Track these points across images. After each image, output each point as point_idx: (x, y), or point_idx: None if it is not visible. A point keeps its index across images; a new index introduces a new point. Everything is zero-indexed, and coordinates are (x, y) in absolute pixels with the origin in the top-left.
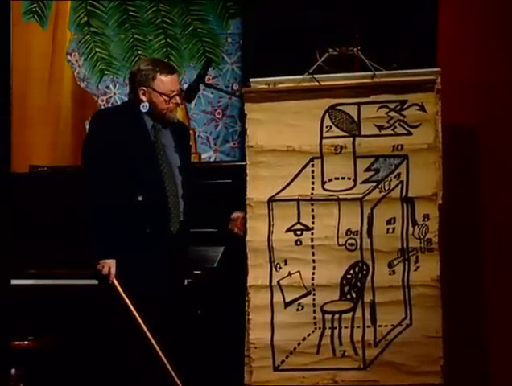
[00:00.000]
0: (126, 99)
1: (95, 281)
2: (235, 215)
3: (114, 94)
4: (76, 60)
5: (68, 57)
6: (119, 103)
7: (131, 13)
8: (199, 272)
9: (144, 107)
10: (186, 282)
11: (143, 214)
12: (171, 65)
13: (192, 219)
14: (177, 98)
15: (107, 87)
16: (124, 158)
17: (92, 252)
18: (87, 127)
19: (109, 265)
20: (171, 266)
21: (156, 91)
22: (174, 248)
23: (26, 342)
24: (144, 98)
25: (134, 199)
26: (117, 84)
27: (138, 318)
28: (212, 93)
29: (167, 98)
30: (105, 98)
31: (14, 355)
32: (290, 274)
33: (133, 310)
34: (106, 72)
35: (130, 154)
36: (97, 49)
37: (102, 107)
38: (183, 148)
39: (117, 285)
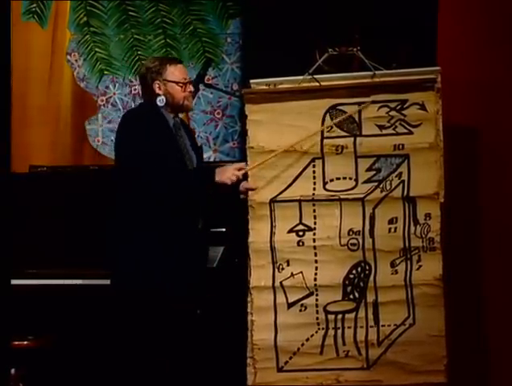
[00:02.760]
0: (126, 99)
1: (95, 281)
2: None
3: (114, 94)
4: (76, 60)
5: (68, 57)
6: (119, 103)
7: (131, 13)
8: None
9: (161, 101)
10: None
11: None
12: (176, 57)
13: (210, 216)
14: (190, 86)
15: (107, 87)
16: (156, 156)
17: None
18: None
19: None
20: (200, 263)
21: (171, 81)
22: (202, 244)
23: (25, 342)
24: (160, 92)
25: None
26: (117, 84)
27: None
28: (211, 93)
29: (182, 85)
30: (104, 98)
31: (14, 355)
32: (292, 275)
33: None
34: (106, 72)
35: (162, 153)
36: (96, 49)
37: (102, 107)
38: (195, 146)
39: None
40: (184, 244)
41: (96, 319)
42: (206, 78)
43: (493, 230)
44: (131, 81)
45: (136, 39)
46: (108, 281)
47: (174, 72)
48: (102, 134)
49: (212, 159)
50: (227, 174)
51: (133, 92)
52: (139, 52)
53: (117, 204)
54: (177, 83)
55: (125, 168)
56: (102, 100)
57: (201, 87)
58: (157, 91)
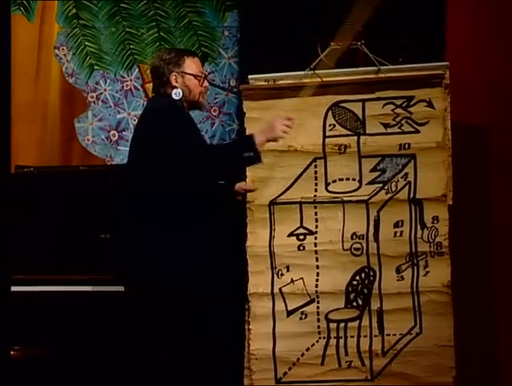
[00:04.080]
0: (118, 95)
1: (83, 288)
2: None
3: (105, 90)
4: (65, 55)
5: (56, 51)
6: (110, 100)
7: (122, 5)
8: None
9: (177, 94)
10: None
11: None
12: (192, 50)
13: None
14: (206, 82)
15: (97, 83)
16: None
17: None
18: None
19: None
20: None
21: (188, 73)
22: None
23: (12, 353)
24: (177, 84)
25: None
26: (108, 80)
27: None
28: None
29: (200, 79)
30: (95, 95)
31: None
32: (292, 281)
33: None
34: (96, 67)
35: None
36: (86, 43)
37: (92, 104)
38: None
39: None
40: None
41: (87, 328)
42: None
43: (504, 234)
44: (123, 77)
45: (128, 33)
46: (97, 288)
47: (191, 65)
48: (92, 133)
49: None
50: (278, 128)
51: (125, 88)
52: (131, 46)
53: (146, 198)
54: (195, 76)
55: (162, 156)
56: (92, 97)
57: None
58: (173, 83)
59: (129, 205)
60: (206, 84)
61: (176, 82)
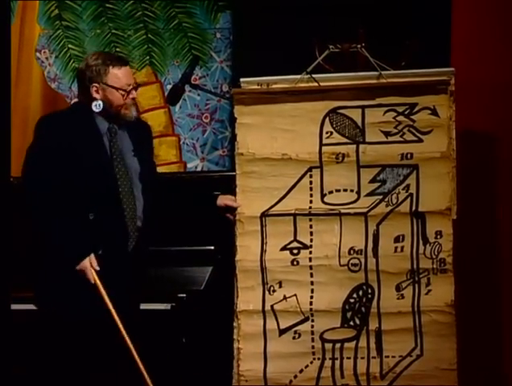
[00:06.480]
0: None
1: None
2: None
3: None
4: (47, 58)
5: (38, 54)
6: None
7: (108, 5)
8: (184, 295)
9: (97, 106)
10: (169, 307)
11: (95, 233)
12: (123, 57)
13: (153, 233)
14: (134, 92)
15: None
16: (74, 169)
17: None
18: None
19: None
20: (127, 291)
21: (111, 86)
22: (130, 269)
23: None
24: (98, 96)
25: (84, 216)
26: None
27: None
28: (198, 95)
29: (123, 92)
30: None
31: None
32: (285, 298)
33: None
34: None
35: (82, 164)
36: (69, 45)
37: None
38: (143, 150)
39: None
40: (107, 270)
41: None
42: (192, 78)
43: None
44: None
45: (114, 34)
46: None
47: (117, 75)
48: None
49: (199, 169)
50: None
51: None
52: (118, 49)
53: None
54: (118, 89)
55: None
56: None
57: (187, 88)
58: (94, 95)
59: None
60: (133, 94)
61: (97, 93)
